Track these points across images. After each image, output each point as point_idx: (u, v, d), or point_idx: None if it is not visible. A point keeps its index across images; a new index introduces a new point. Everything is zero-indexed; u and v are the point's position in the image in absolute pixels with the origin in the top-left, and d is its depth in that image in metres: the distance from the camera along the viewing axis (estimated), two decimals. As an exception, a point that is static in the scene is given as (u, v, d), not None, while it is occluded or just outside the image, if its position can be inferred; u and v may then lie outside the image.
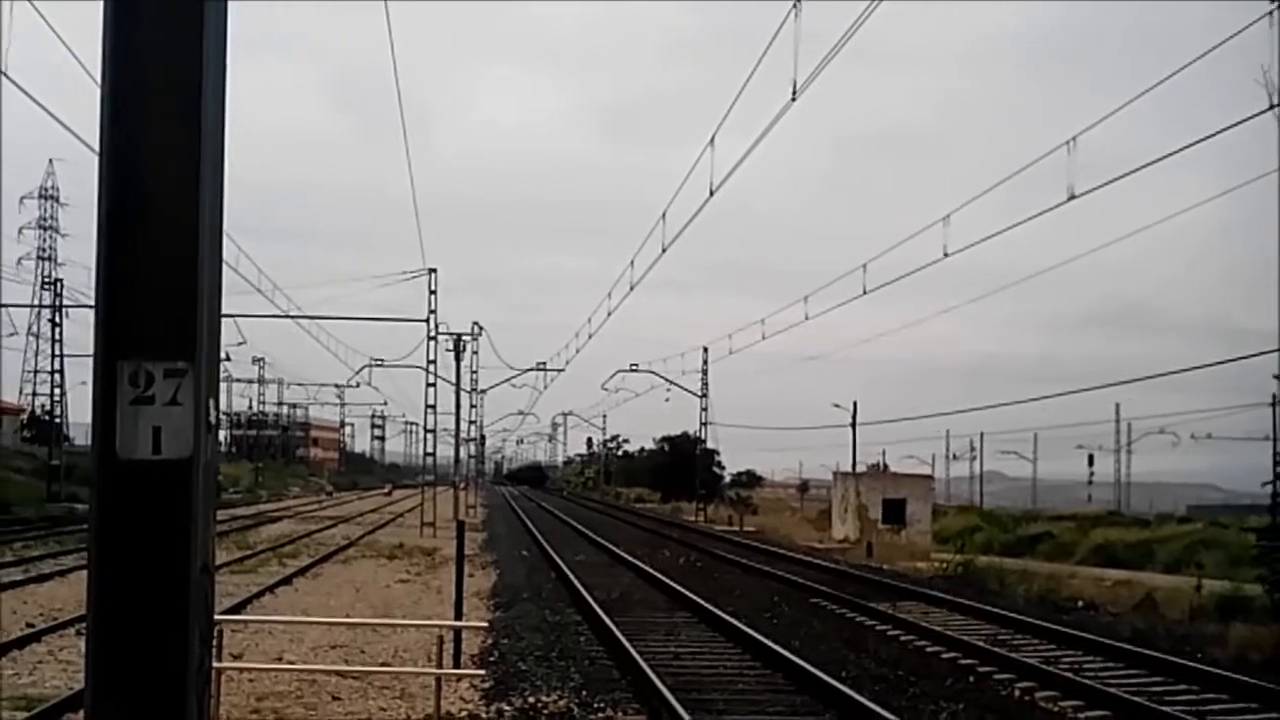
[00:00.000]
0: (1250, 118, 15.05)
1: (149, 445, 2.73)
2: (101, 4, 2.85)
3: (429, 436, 48.81)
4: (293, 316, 46.72)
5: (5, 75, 13.92)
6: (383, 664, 13.54)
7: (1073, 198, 19.73)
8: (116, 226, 2.74)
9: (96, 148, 2.77)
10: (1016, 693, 13.03)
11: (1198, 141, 17.81)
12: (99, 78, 2.82)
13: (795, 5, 15.02)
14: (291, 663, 13.15)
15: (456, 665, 12.36)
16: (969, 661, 14.78)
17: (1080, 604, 23.04)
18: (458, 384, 52.32)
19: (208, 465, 2.82)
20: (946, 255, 25.64)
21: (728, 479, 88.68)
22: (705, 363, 67.38)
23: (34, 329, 68.99)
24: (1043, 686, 13.18)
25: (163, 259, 2.74)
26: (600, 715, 11.34)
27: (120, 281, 2.74)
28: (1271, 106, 14.19)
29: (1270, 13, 13.74)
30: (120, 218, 2.74)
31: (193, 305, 2.75)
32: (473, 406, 66.95)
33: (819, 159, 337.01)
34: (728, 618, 17.25)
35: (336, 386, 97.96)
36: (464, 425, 57.67)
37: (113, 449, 2.73)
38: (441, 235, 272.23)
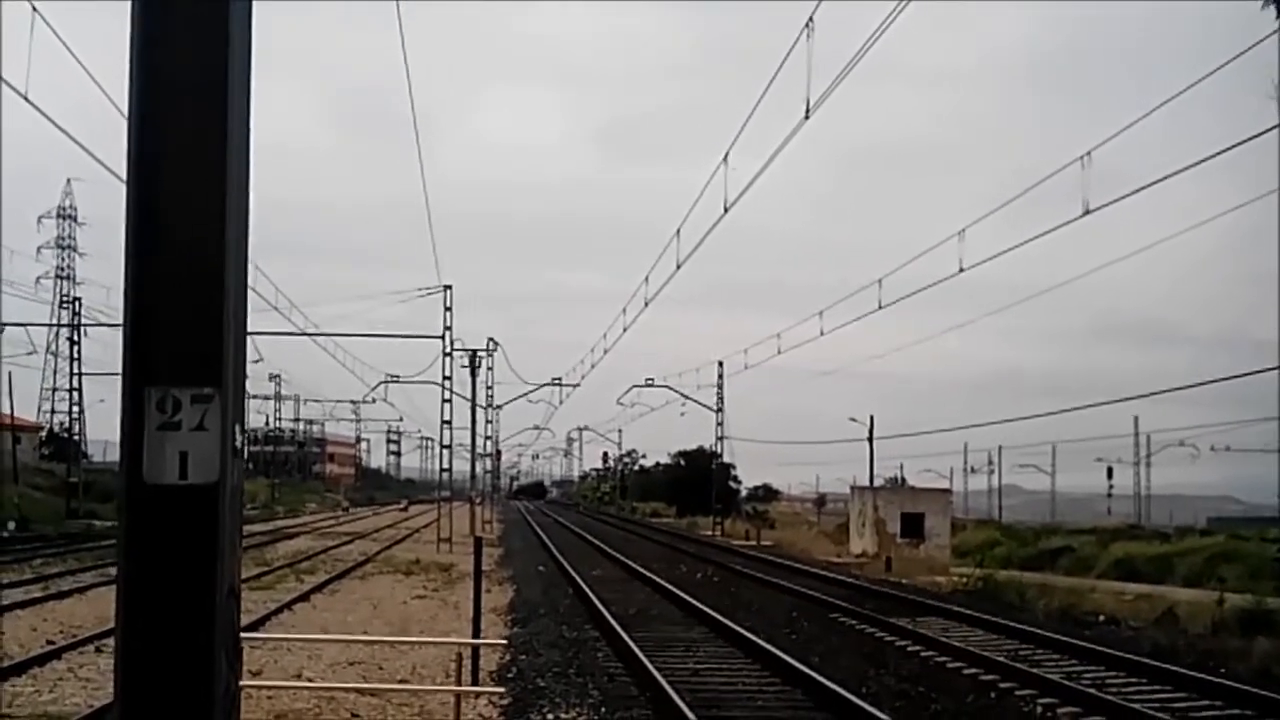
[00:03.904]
0: (1259, 134, 14.99)
1: (176, 470, 2.75)
2: (128, 32, 2.88)
3: (445, 452, 48.88)
4: (309, 334, 46.88)
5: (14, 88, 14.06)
6: (401, 681, 13.53)
7: (1088, 212, 19.72)
8: (143, 257, 2.77)
9: (111, 169, 2.81)
10: (1039, 709, 12.94)
11: (1210, 157, 17.73)
12: (126, 108, 2.85)
13: (809, 24, 15.06)
14: (310, 680, 13.16)
15: (475, 682, 12.36)
16: (990, 678, 14.68)
17: (1101, 618, 22.87)
18: (474, 399, 52.45)
19: (234, 490, 2.84)
20: (962, 270, 25.66)
21: (744, 493, 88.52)
22: (721, 377, 67.47)
23: (52, 347, 69.64)
24: (1065, 703, 13.07)
25: (189, 288, 2.76)
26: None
27: (147, 309, 2.76)
28: None
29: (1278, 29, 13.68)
30: (146, 248, 2.77)
31: (219, 332, 2.77)
32: (488, 422, 67.04)
33: (828, 172, 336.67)
34: (746, 633, 17.19)
35: (352, 402, 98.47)
36: (480, 440, 57.75)
37: (140, 474, 2.75)
38: (451, 250, 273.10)
